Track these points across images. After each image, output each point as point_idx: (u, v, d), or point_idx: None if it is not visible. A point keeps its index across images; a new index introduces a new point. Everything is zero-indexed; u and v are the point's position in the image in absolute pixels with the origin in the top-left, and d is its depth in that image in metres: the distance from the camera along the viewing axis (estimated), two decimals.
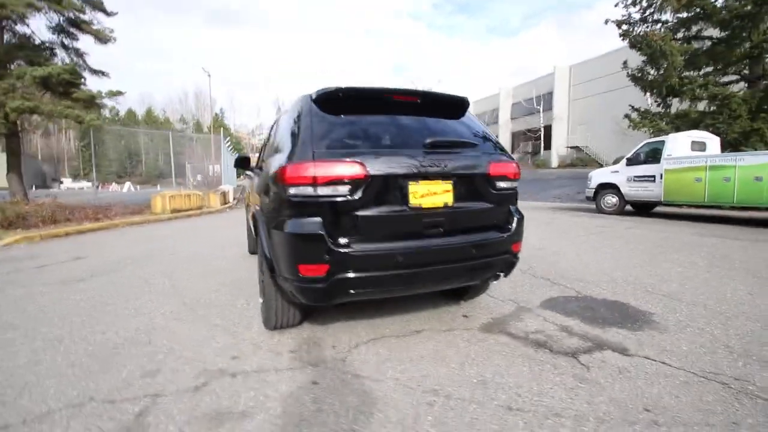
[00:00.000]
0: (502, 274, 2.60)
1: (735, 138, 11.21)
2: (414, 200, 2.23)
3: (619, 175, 10.10)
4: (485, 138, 2.63)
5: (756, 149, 10.69)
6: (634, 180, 9.66)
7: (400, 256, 2.17)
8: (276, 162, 2.47)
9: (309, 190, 2.09)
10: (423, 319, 2.95)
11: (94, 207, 9.93)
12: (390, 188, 2.19)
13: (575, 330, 2.74)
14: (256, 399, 1.94)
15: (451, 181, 2.31)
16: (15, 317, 3.17)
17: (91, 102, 10.79)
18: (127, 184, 41.31)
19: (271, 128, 3.78)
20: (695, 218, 9.24)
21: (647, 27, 14.82)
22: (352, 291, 2.15)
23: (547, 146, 32.95)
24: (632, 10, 14.66)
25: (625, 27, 15.28)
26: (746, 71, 12.43)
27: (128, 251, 5.97)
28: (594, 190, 10.68)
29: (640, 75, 14.50)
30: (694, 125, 12.10)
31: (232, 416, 1.81)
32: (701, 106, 13.33)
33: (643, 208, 10.36)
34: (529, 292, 3.57)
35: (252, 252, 5.38)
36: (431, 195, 2.26)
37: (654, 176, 9.15)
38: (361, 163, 2.12)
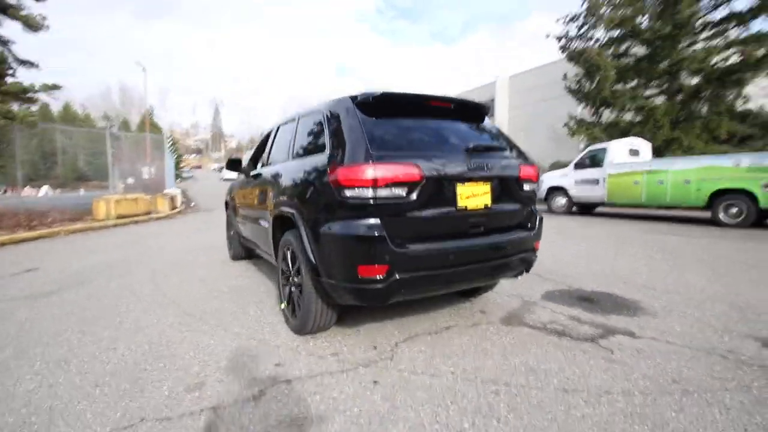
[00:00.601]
0: (525, 270, 2.80)
1: (659, 146, 12.73)
2: (461, 201, 2.35)
3: (567, 178, 11.02)
4: (508, 143, 2.82)
5: (675, 155, 12.24)
6: (580, 183, 10.60)
7: (452, 254, 2.28)
8: (314, 164, 2.46)
9: (367, 192, 2.12)
10: (447, 316, 3.07)
11: (27, 213, 8.81)
12: (441, 190, 2.29)
13: (583, 319, 3.01)
14: (325, 402, 1.93)
15: (490, 184, 2.46)
16: None
17: (21, 96, 9.55)
18: (44, 188, 36.90)
19: (274, 132, 3.69)
20: (632, 217, 10.36)
21: (582, 43, 16.32)
22: (408, 290, 2.21)
23: None
24: (571, 26, 16.06)
25: (563, 42, 16.73)
26: (666, 86, 14.16)
27: (87, 261, 5.42)
28: (545, 192, 11.55)
29: (577, 87, 15.89)
30: (624, 134, 13.53)
31: (311, 421, 1.79)
32: (629, 116, 14.94)
33: (587, 208, 11.39)
34: (527, 288, 3.84)
35: (237, 258, 5.16)
36: (474, 196, 2.40)
37: (598, 179, 10.13)
38: (417, 166, 2.19)
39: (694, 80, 13.32)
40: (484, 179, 2.44)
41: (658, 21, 13.28)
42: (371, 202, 2.13)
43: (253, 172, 4.06)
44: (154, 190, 17.50)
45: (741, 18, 12.86)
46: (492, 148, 2.59)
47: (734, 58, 12.12)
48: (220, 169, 62.18)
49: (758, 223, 7.57)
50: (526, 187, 2.69)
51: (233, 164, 4.38)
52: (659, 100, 13.95)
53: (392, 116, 2.45)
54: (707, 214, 8.26)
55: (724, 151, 11.52)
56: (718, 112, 12.75)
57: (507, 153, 2.66)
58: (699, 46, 13.62)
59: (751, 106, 13.13)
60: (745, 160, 7.38)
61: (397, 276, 2.15)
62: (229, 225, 5.38)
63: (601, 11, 14.70)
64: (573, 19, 15.94)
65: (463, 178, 2.35)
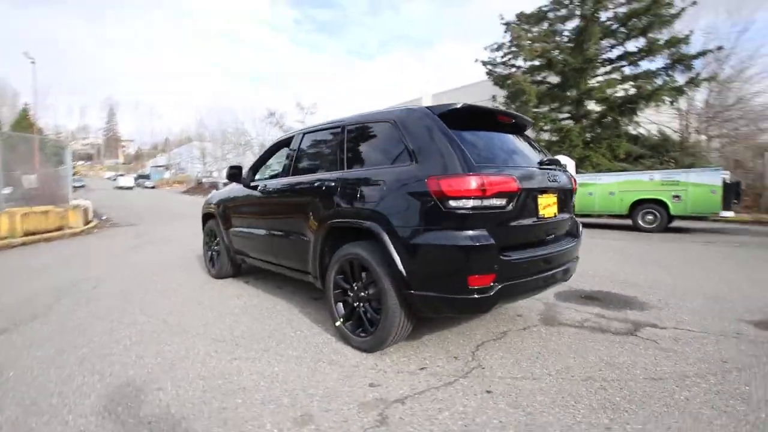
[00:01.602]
0: (571, 275, 3.02)
1: (576, 162, 14.59)
2: (540, 211, 2.48)
3: None
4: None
5: (587, 171, 14.13)
6: None
7: (539, 261, 2.39)
8: (399, 174, 2.39)
9: (474, 202, 2.14)
10: (494, 322, 3.16)
11: None
12: (528, 200, 2.40)
13: (607, 316, 3.34)
14: (461, 419, 1.87)
15: (556, 195, 2.64)
16: None
17: None
18: None
19: (298, 141, 3.46)
20: None
21: (506, 69, 18.11)
22: (506, 297, 2.26)
23: None
24: (497, 54, 17.75)
25: (489, 67, 18.40)
26: (575, 112, 16.33)
27: (24, 288, 4.43)
28: None
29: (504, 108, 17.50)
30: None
31: None
32: (546, 136, 16.87)
33: None
34: None
35: (222, 276, 4.66)
36: (548, 207, 2.55)
37: None
38: (514, 177, 2.27)
39: (599, 107, 15.56)
40: (554, 191, 2.61)
41: (570, 56, 15.28)
42: (478, 212, 2.15)
43: (265, 183, 3.76)
44: (42, 201, 14.87)
45: (632, 58, 15.47)
46: (553, 161, 2.78)
47: (631, 91, 14.48)
48: (115, 178, 56.33)
49: (667, 228, 9.11)
50: (573, 198, 2.94)
51: (234, 173, 4.01)
52: (571, 123, 15.98)
53: (468, 128, 2.50)
54: (628, 221, 9.68)
55: (623, 168, 13.61)
56: (618, 135, 15.06)
57: (561, 166, 2.88)
58: (600, 78, 16.03)
59: (642, 131, 15.80)
60: (657, 176, 8.87)
61: (501, 284, 2.19)
62: (210, 240, 4.85)
63: (522, 43, 16.49)
64: (499, 47, 17.62)
65: (542, 190, 2.49)
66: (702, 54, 14.16)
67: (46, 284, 4.61)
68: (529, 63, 16.85)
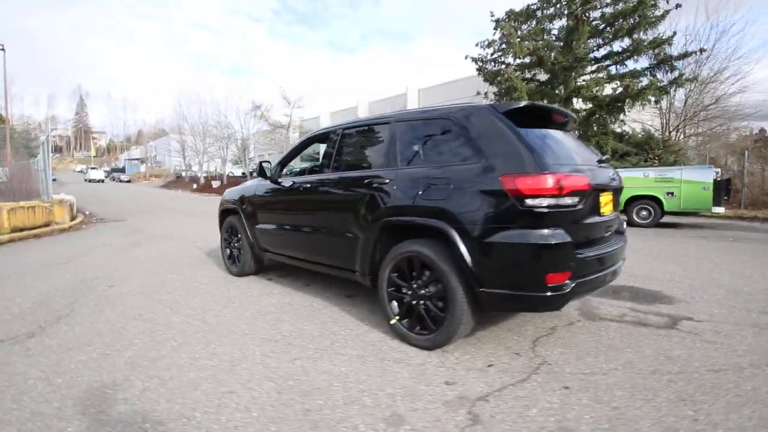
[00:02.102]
0: None
1: None
2: (602, 209, 2.52)
3: None
4: None
5: None
6: None
7: (604, 258, 2.43)
8: (468, 172, 2.38)
9: (551, 201, 2.15)
10: (539, 317, 3.19)
11: None
12: (594, 199, 2.43)
13: (641, 309, 3.44)
14: (551, 415, 1.90)
15: (612, 193, 2.69)
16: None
17: None
18: None
19: (338, 136, 3.39)
20: None
21: (496, 66, 18.28)
22: (577, 294, 2.29)
23: None
24: (487, 51, 17.87)
25: (480, 64, 18.53)
26: None
27: (34, 288, 4.19)
28: None
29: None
30: None
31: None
32: None
33: None
34: None
35: (245, 273, 4.55)
36: (606, 205, 2.60)
37: None
38: (586, 176, 2.30)
39: (587, 106, 15.92)
40: (611, 189, 2.66)
41: (560, 54, 15.55)
42: (554, 210, 2.17)
43: (299, 179, 3.69)
44: (18, 196, 14.15)
45: (618, 57, 15.89)
46: (604, 160, 2.83)
47: (619, 90, 14.87)
48: (86, 171, 54.55)
49: (659, 224, 9.45)
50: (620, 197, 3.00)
51: (264, 170, 3.91)
52: None
53: (530, 126, 2.50)
54: (623, 217, 9.98)
55: (612, 165, 14.03)
56: (605, 132, 15.47)
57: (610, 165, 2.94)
58: (588, 77, 16.41)
59: (626, 128, 16.29)
60: (652, 173, 9.17)
61: (575, 281, 2.22)
62: (230, 237, 4.72)
63: (513, 40, 16.65)
64: (489, 44, 17.74)
65: (603, 188, 2.53)
66: (685, 55, 14.69)
67: (55, 284, 4.38)
68: (519, 60, 17.03)
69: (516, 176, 2.19)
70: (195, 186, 33.82)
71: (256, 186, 4.25)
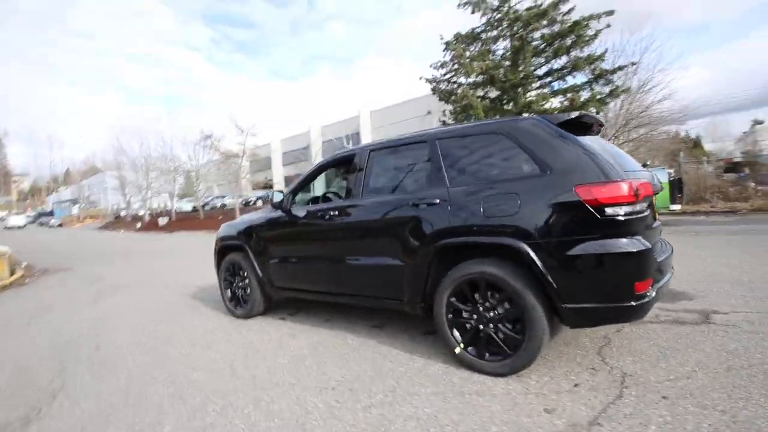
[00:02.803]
0: None
1: None
2: (654, 214, 2.57)
3: None
4: None
5: None
6: None
7: (667, 264, 2.46)
8: (536, 186, 2.32)
9: (627, 208, 2.14)
10: (587, 329, 3.17)
11: None
12: (652, 204, 2.46)
13: (670, 308, 3.54)
14: (670, 429, 1.82)
15: (655, 198, 2.76)
16: None
17: None
18: None
19: (365, 160, 3.22)
20: None
21: (448, 86, 19.08)
22: (656, 301, 2.27)
23: None
24: (440, 71, 18.64)
25: (434, 84, 19.25)
26: None
27: (4, 356, 3.50)
28: None
29: (453, 123, 18.32)
30: None
31: None
32: None
33: None
34: None
35: (253, 314, 4.15)
36: (653, 209, 2.65)
37: None
38: (650, 182, 2.33)
39: None
40: (656, 194, 2.73)
41: (509, 73, 16.55)
42: (632, 217, 2.16)
43: (321, 207, 3.46)
44: None
45: (559, 74, 17.19)
46: (646, 165, 2.92)
47: (565, 103, 16.02)
48: (3, 218, 49.25)
49: None
50: None
51: (277, 198, 3.63)
52: None
53: (580, 135, 2.52)
54: None
55: None
56: None
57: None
58: (534, 93, 17.56)
59: None
60: None
61: (655, 288, 2.21)
62: (231, 277, 4.32)
63: (463, 61, 17.52)
64: (442, 65, 18.54)
65: (655, 193, 2.59)
66: (619, 69, 16.20)
67: (27, 351, 3.72)
68: (471, 79, 17.89)
69: (592, 186, 2.16)
70: (139, 225, 31.44)
71: (265, 218, 3.94)
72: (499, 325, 2.45)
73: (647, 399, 2.09)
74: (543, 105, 16.75)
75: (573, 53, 16.61)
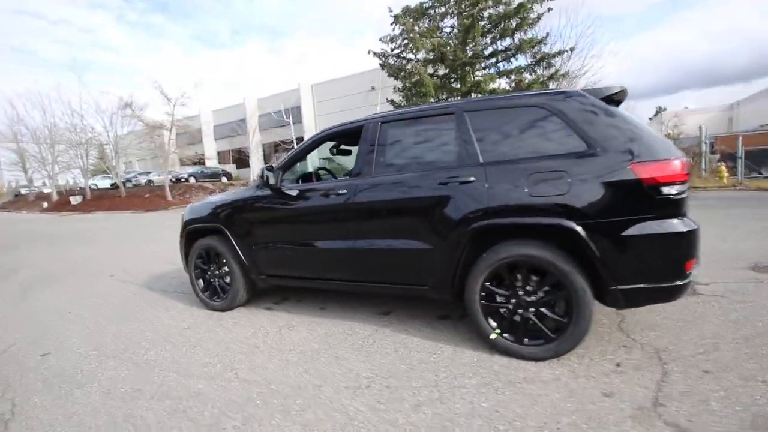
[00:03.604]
0: None
1: None
2: None
3: None
4: None
5: None
6: None
7: None
8: (581, 164, 2.21)
9: (679, 187, 2.11)
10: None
11: None
12: None
13: None
14: (739, 404, 1.86)
15: None
16: None
17: None
18: None
19: (377, 133, 2.90)
20: None
21: (397, 62, 18.72)
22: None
23: None
24: (390, 46, 18.15)
25: (382, 59, 18.76)
26: None
27: None
28: None
29: (404, 102, 18.05)
30: None
31: None
32: None
33: None
34: None
35: (234, 306, 3.68)
36: None
37: None
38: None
39: None
40: None
41: (459, 51, 16.59)
42: (682, 195, 2.14)
43: (321, 186, 3.09)
44: None
45: (504, 55, 17.61)
46: None
47: (513, 84, 16.52)
48: None
49: None
50: None
51: (267, 175, 3.16)
52: None
53: (617, 109, 2.44)
54: None
55: None
56: None
57: None
58: (480, 73, 17.87)
59: None
60: None
61: (695, 267, 2.23)
62: (205, 264, 3.78)
63: (414, 36, 17.21)
64: (392, 39, 18.04)
65: None
66: (559, 53, 17.00)
67: None
68: (423, 56, 17.68)
69: (648, 164, 2.09)
70: (46, 205, 27.41)
71: (249, 196, 3.44)
72: (542, 309, 2.35)
73: (692, 374, 2.13)
74: (490, 85, 17.12)
75: (517, 35, 17.09)
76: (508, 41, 17.44)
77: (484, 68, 18.23)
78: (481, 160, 2.49)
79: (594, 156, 2.21)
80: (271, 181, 3.20)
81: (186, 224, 3.89)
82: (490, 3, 17.14)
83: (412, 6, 18.30)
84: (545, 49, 17.25)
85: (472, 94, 17.47)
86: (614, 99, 2.50)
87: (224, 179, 31.36)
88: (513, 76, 17.09)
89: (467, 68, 17.21)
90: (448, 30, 18.55)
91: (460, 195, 2.48)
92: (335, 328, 3.15)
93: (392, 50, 18.87)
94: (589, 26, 23.56)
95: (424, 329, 2.99)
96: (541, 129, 2.40)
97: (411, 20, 17.83)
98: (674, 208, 2.13)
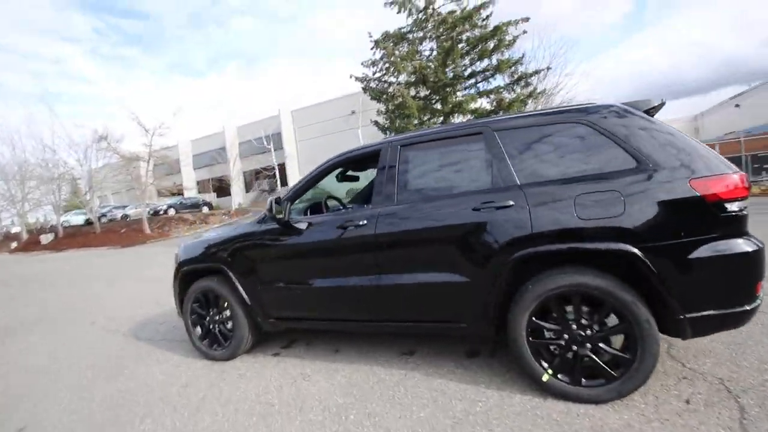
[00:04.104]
0: None
1: None
2: None
3: None
4: None
5: None
6: None
7: None
8: (633, 182, 2.03)
9: (740, 203, 1.95)
10: None
11: None
12: None
13: None
14: None
15: None
16: None
17: None
18: None
19: (395, 158, 2.69)
20: None
21: (379, 85, 18.92)
22: None
23: (284, 183, 34.72)
24: (371, 69, 18.39)
25: (364, 83, 18.94)
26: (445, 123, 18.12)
27: None
28: None
29: (388, 124, 18.14)
30: None
31: None
32: None
33: None
34: None
35: (237, 354, 3.31)
36: None
37: None
38: None
39: (469, 118, 17.60)
40: None
41: (440, 73, 16.88)
42: (745, 212, 1.98)
43: (338, 217, 2.83)
44: None
45: (482, 76, 18.01)
46: None
47: (494, 103, 16.81)
48: None
49: None
50: None
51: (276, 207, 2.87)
52: None
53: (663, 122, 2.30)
54: None
55: None
56: None
57: None
58: (460, 94, 18.19)
59: None
60: None
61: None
62: (202, 309, 3.41)
63: (395, 60, 17.46)
64: (373, 63, 18.28)
65: None
66: (536, 72, 17.50)
67: None
68: (405, 78, 17.91)
69: (708, 179, 1.93)
70: (15, 245, 25.98)
71: (251, 232, 3.13)
72: (600, 344, 2.11)
73: None
74: (471, 105, 17.40)
75: (495, 56, 17.55)
76: (486, 62, 17.92)
77: (465, 89, 18.60)
78: (518, 182, 2.29)
79: (647, 173, 2.03)
80: (279, 214, 2.91)
81: (180, 265, 3.53)
82: (467, 27, 17.66)
83: (392, 31, 18.69)
84: (522, 69, 17.80)
85: (455, 114, 17.75)
86: (650, 114, 2.36)
87: (205, 209, 30.54)
88: (493, 96, 17.45)
89: (448, 89, 17.50)
90: (427, 53, 18.96)
91: (498, 221, 2.26)
92: (357, 375, 2.82)
93: (374, 74, 19.12)
94: (561, 47, 24.48)
95: (457, 370, 2.70)
96: (583, 146, 2.22)
97: (391, 44, 18.15)
98: (738, 226, 1.96)
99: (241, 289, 3.17)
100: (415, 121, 17.12)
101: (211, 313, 3.39)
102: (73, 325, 5.16)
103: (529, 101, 17.57)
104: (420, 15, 18.23)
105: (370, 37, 18.36)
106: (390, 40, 18.58)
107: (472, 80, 18.36)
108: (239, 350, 3.31)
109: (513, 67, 17.50)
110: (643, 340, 2.01)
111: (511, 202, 2.24)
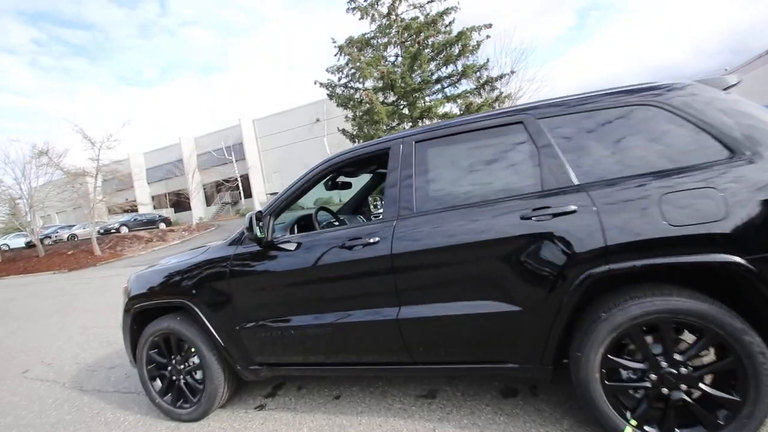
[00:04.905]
0: None
1: None
2: None
3: None
4: None
5: None
6: None
7: None
8: (733, 177, 1.59)
9: None
10: None
11: None
12: None
13: None
14: None
15: None
16: None
17: None
18: None
19: (411, 157, 2.15)
20: None
21: (345, 91, 18.40)
22: None
23: (248, 194, 33.28)
24: (337, 76, 17.83)
25: (330, 89, 18.35)
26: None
27: None
28: None
29: (356, 131, 17.61)
30: None
31: None
32: None
33: None
34: None
35: (210, 411, 2.60)
36: None
37: None
38: None
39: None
40: None
41: (408, 78, 16.59)
42: None
43: (339, 234, 2.23)
44: None
45: (449, 80, 17.93)
46: None
47: (463, 107, 16.69)
48: None
49: None
50: None
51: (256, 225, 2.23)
52: None
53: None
54: None
55: None
56: None
57: None
58: (427, 99, 18.01)
59: None
60: None
61: None
62: (168, 358, 2.69)
63: (361, 65, 17.01)
64: (338, 69, 17.73)
65: None
66: (501, 77, 17.60)
67: None
68: (371, 84, 17.48)
69: None
70: None
71: (226, 255, 2.47)
72: (699, 385, 1.65)
73: None
74: (440, 109, 17.24)
75: (460, 61, 17.52)
76: (452, 67, 17.86)
77: (432, 93, 18.42)
78: (576, 182, 1.81)
79: (747, 163, 1.61)
80: (259, 233, 2.27)
81: (131, 301, 2.77)
82: (432, 32, 17.54)
83: (356, 37, 18.25)
84: (487, 74, 17.87)
85: (424, 119, 17.49)
86: None
87: (162, 225, 28.59)
88: (461, 101, 17.36)
89: (416, 94, 17.24)
90: (392, 59, 18.66)
91: (558, 232, 1.76)
92: (369, 429, 2.21)
93: (339, 80, 18.56)
94: (522, 52, 25.05)
95: (498, 417, 2.17)
96: (655, 133, 1.78)
97: (355, 50, 17.69)
98: None
99: (212, 329, 2.48)
100: (384, 127, 16.71)
101: (174, 361, 2.67)
102: (5, 377, 4.18)
103: (496, 105, 17.65)
104: (384, 21, 17.94)
105: (334, 42, 17.83)
106: (354, 46, 18.12)
107: (439, 85, 18.25)
108: (213, 406, 2.60)
109: (478, 72, 17.52)
110: (756, 378, 1.56)
111: (574, 207, 1.75)
